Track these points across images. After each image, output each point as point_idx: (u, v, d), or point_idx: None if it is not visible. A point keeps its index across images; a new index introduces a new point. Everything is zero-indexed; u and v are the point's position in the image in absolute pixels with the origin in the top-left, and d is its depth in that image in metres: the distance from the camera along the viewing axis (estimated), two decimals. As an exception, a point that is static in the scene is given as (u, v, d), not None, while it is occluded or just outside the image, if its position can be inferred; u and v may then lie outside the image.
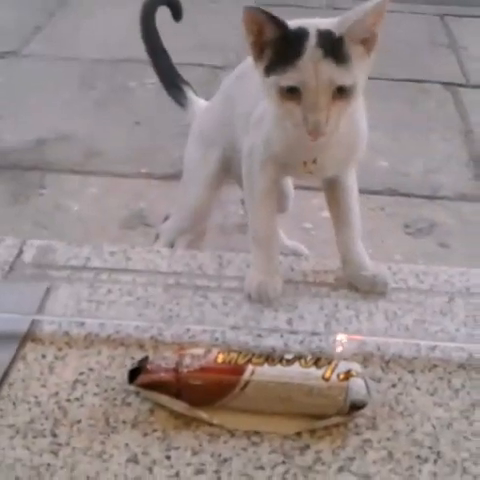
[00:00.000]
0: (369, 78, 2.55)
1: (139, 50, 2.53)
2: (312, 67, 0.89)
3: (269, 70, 0.93)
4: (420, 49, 2.65)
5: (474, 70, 2.46)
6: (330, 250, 1.25)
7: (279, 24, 0.92)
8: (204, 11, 2.92)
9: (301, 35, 0.91)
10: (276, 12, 2.86)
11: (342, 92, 0.93)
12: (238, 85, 1.27)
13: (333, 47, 0.90)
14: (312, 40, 0.91)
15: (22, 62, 2.46)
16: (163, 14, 2.83)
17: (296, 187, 1.78)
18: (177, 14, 1.51)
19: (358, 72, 0.93)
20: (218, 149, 1.35)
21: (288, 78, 0.91)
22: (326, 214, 1.75)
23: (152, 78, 2.37)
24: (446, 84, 2.35)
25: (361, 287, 1.17)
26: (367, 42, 0.93)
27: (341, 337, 1.07)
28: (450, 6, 3.10)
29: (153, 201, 1.76)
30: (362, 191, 1.83)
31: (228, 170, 1.36)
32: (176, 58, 2.49)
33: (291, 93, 0.92)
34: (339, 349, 1.05)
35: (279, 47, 0.92)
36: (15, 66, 2.42)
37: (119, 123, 2.10)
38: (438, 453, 0.91)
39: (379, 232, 1.65)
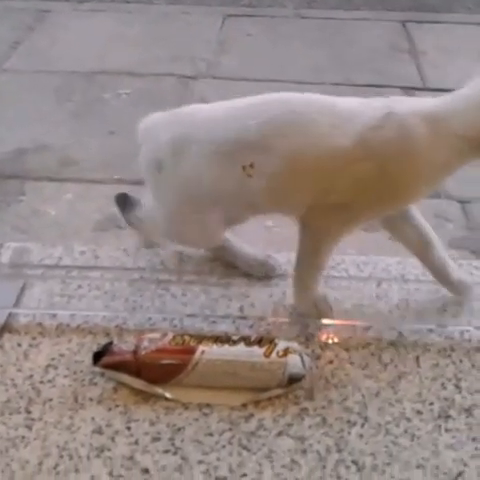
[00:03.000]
0: (331, 83, 2.68)
1: (113, 62, 2.67)
2: None
3: None
4: (381, 55, 2.79)
5: (431, 74, 2.59)
6: (290, 246, 1.35)
7: None
8: (176, 22, 3.05)
9: None
10: (245, 22, 2.97)
11: None
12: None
13: None
14: None
15: (1, 76, 2.57)
16: (135, 27, 2.96)
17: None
18: None
19: None
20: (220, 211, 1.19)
21: None
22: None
23: (126, 89, 2.51)
24: (404, 88, 2.48)
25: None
26: None
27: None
28: (412, 12, 3.24)
29: (125, 205, 1.88)
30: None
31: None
32: (148, 68, 2.63)
33: None
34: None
35: None
36: (-5, 80, 2.53)
37: (94, 133, 2.22)
38: (365, 418, 1.04)
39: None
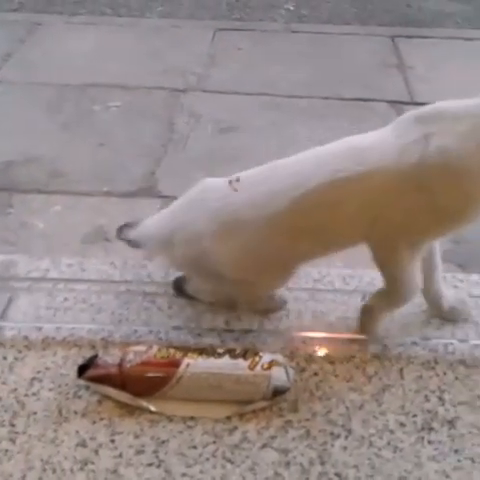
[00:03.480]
0: (322, 98, 2.70)
1: (104, 75, 2.69)
2: None
3: None
4: (370, 70, 2.81)
5: (419, 88, 2.62)
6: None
7: None
8: (167, 35, 3.07)
9: None
10: (236, 36, 2.99)
11: None
12: None
13: None
14: None
15: (-8, 88, 2.59)
16: (126, 40, 2.98)
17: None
18: None
19: None
20: None
21: None
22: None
23: (116, 102, 2.52)
24: (392, 102, 2.51)
25: None
26: None
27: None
28: (401, 27, 3.27)
29: (113, 217, 1.89)
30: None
31: None
32: (138, 81, 2.65)
33: None
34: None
35: None
36: (-14, 92, 2.54)
37: (84, 145, 2.23)
38: (349, 430, 1.05)
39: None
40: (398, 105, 2.50)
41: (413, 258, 1.13)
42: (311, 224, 1.10)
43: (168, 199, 1.98)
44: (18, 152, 2.17)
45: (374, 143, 1.10)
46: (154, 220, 1.25)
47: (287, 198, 1.09)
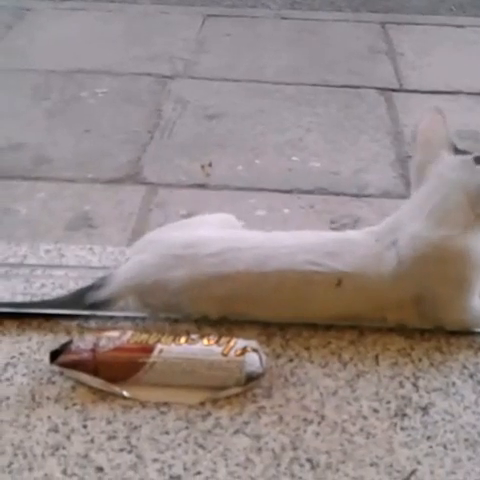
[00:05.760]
0: (310, 85, 2.70)
1: (91, 61, 2.67)
2: None
3: None
4: (360, 56, 2.80)
5: (408, 75, 2.61)
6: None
7: None
8: (155, 21, 3.05)
9: None
10: (226, 22, 2.99)
11: None
12: None
13: None
14: None
15: (-21, 74, 2.57)
16: (115, 26, 2.96)
17: (235, 188, 1.91)
18: None
19: None
20: None
21: None
22: (260, 213, 1.89)
23: (103, 88, 2.51)
24: (380, 89, 2.50)
25: None
26: None
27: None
28: (392, 14, 3.26)
29: (97, 204, 1.89)
30: (294, 191, 1.98)
31: None
32: (125, 68, 2.63)
33: None
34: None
35: None
36: (-28, 78, 2.53)
37: (69, 131, 2.22)
38: (322, 416, 1.05)
39: (307, 228, 1.76)
40: (387, 92, 2.49)
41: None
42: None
43: (153, 186, 1.98)
44: (3, 138, 2.17)
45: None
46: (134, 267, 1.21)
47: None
